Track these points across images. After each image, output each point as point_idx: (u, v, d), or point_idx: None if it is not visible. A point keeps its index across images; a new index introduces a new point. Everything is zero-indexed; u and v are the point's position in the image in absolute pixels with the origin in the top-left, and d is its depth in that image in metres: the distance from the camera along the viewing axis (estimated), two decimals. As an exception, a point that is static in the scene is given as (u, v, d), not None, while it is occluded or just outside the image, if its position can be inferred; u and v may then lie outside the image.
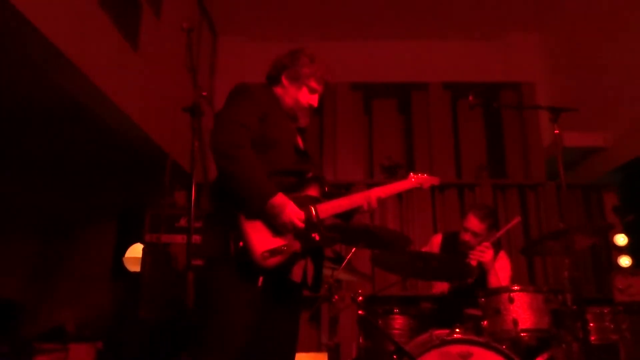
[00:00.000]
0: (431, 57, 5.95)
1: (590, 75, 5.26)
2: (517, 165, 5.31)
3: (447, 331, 2.51)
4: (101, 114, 3.83)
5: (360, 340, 2.78)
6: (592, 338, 2.75)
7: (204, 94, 1.71)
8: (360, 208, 2.20)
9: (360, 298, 2.67)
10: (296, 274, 1.94)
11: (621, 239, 4.62)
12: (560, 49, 5.83)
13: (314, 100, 2.18)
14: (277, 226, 1.88)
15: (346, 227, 2.78)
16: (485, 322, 2.59)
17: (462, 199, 5.02)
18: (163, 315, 3.57)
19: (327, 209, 2.04)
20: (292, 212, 1.88)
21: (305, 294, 2.12)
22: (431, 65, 5.88)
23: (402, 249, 2.91)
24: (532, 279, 4.73)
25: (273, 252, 1.84)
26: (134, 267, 4.71)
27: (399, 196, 5.02)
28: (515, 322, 2.49)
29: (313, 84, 2.15)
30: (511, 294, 2.55)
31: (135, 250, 4.75)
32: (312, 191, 2.04)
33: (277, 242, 1.88)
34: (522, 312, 2.52)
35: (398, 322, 2.86)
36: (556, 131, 2.54)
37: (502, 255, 3.24)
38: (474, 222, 3.16)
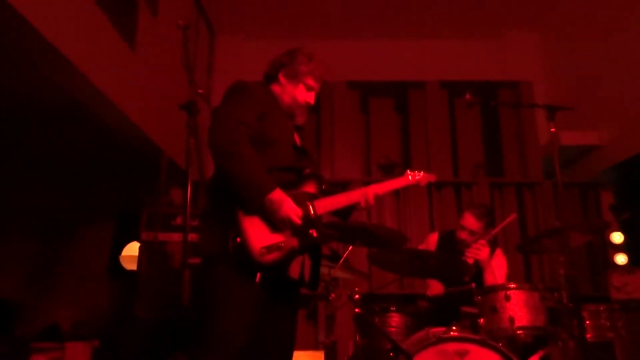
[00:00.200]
0: (428, 56, 5.95)
1: (586, 74, 5.27)
2: (514, 164, 5.32)
3: (443, 329, 2.52)
4: (98, 112, 3.82)
5: (357, 338, 2.78)
6: (588, 336, 2.76)
7: (200, 91, 1.70)
8: (358, 205, 2.22)
9: (357, 296, 2.67)
10: (294, 270, 1.94)
11: (617, 237, 4.64)
12: (557, 48, 5.85)
13: (310, 97, 2.19)
14: (275, 222, 1.88)
15: (343, 225, 2.79)
16: (481, 320, 2.60)
17: (459, 197, 5.03)
18: (160, 313, 3.57)
19: (325, 205, 2.05)
20: (289, 208, 1.88)
21: (303, 292, 2.12)
22: (428, 63, 5.88)
23: (399, 247, 2.91)
24: (528, 277, 4.75)
25: (271, 249, 1.84)
26: (131, 266, 4.71)
27: (396, 194, 5.03)
28: (511, 320, 2.50)
29: (310, 81, 2.16)
30: (507, 292, 2.56)
31: (132, 249, 4.75)
32: (310, 188, 2.05)
33: (275, 238, 1.88)
34: (518, 309, 2.53)
35: (395, 320, 2.87)
36: (552, 129, 2.55)
37: (499, 253, 3.25)
38: (470, 221, 3.17)
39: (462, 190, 5.04)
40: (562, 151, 5.02)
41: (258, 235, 1.85)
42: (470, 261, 3.04)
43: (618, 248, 4.64)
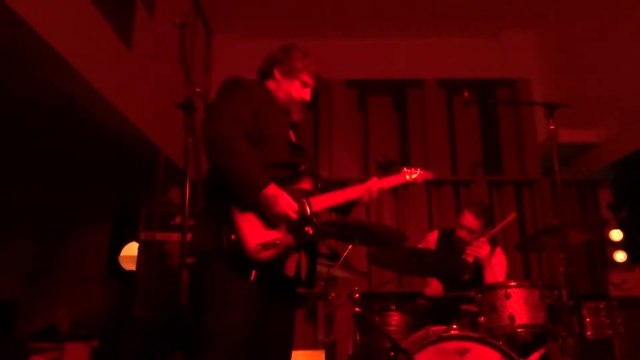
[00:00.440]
0: (426, 54, 5.95)
1: (584, 71, 5.27)
2: (513, 162, 5.32)
3: (443, 327, 2.51)
4: (95, 112, 3.81)
5: (357, 337, 2.77)
6: (588, 333, 2.76)
7: (198, 90, 1.69)
8: (361, 199, 2.21)
9: (357, 295, 2.66)
10: (289, 268, 1.91)
11: (617, 235, 4.64)
12: (554, 46, 5.85)
13: (306, 94, 2.18)
14: (270, 217, 1.86)
15: (342, 224, 2.78)
16: (481, 318, 2.59)
17: (457, 195, 5.03)
18: (158, 313, 3.56)
19: (321, 202, 2.03)
20: (285, 202, 1.86)
21: (302, 291, 2.11)
22: (426, 62, 5.88)
23: (398, 245, 2.91)
24: (527, 275, 4.75)
25: (266, 245, 1.81)
26: (130, 266, 4.69)
27: (395, 193, 5.03)
28: (511, 318, 2.50)
29: (306, 77, 2.15)
30: (507, 290, 2.56)
31: (131, 249, 4.73)
32: (305, 184, 2.03)
33: (271, 235, 1.85)
34: (518, 307, 2.53)
35: (394, 318, 2.87)
36: (551, 127, 2.55)
37: (498, 251, 3.25)
38: (469, 219, 3.17)
39: (460, 189, 5.03)
40: (560, 149, 4.97)
41: (253, 232, 1.83)
42: (471, 259, 3.04)
43: (617, 245, 4.65)
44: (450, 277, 3.11)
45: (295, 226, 1.90)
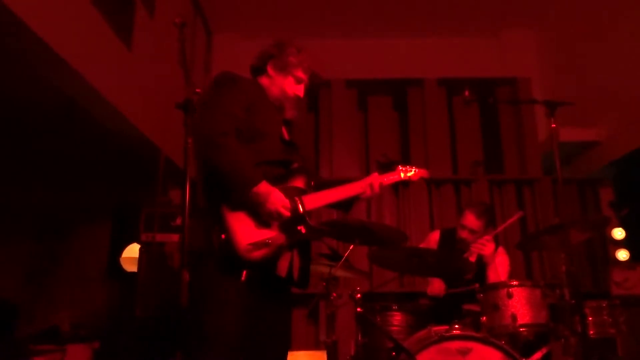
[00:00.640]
0: (426, 54, 5.95)
1: (584, 70, 5.26)
2: (513, 161, 5.32)
3: (445, 327, 2.50)
4: (95, 112, 3.80)
5: (359, 338, 2.77)
6: (590, 332, 2.75)
7: (198, 90, 1.68)
8: (361, 195, 2.18)
9: (358, 295, 2.65)
10: (281, 268, 1.87)
11: (619, 233, 4.64)
12: (555, 45, 5.84)
13: (300, 90, 2.15)
14: (261, 215, 1.83)
15: (342, 224, 2.77)
16: (484, 318, 2.59)
17: (458, 194, 5.02)
18: (159, 314, 3.56)
19: (314, 200, 1.99)
20: (277, 200, 1.83)
21: (304, 292, 2.09)
22: (426, 61, 5.87)
23: (399, 245, 2.90)
24: (529, 274, 4.74)
25: (257, 245, 1.78)
26: (131, 268, 4.68)
27: (396, 192, 5.03)
28: (514, 318, 2.49)
29: (299, 73, 2.12)
30: (510, 290, 2.55)
31: (132, 251, 4.72)
32: (298, 182, 1.99)
33: (262, 234, 1.82)
34: (520, 307, 2.52)
35: (396, 318, 2.86)
36: (553, 125, 2.54)
37: (501, 251, 3.24)
38: (470, 219, 3.16)
39: (461, 188, 5.03)
40: (561, 147, 4.98)
41: (244, 231, 1.79)
42: (473, 258, 3.04)
43: (619, 244, 4.64)
44: (452, 276, 3.10)
45: (287, 225, 1.87)
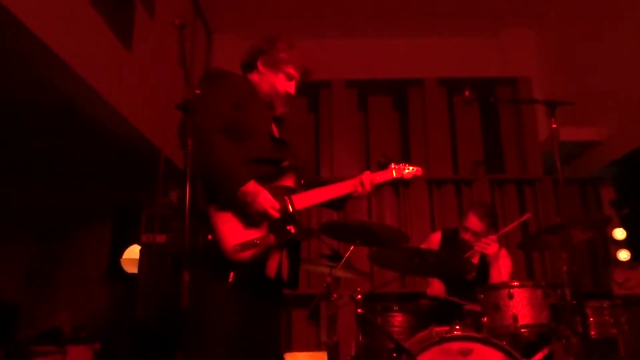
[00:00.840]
0: (426, 54, 5.95)
1: (584, 70, 5.26)
2: (514, 160, 5.31)
3: (446, 328, 2.49)
4: (95, 113, 3.80)
5: (360, 338, 2.76)
6: (592, 332, 2.74)
7: (197, 91, 1.66)
8: (354, 193, 2.13)
9: (359, 296, 2.65)
10: (270, 269, 1.84)
11: (620, 233, 4.63)
12: (554, 44, 5.83)
13: (291, 87, 2.10)
14: (249, 216, 1.78)
15: (343, 224, 2.76)
16: (485, 319, 2.58)
17: (459, 194, 5.02)
18: (160, 315, 3.55)
19: (304, 199, 1.95)
20: (265, 200, 1.78)
21: (304, 293, 2.08)
22: (426, 61, 5.87)
23: (400, 245, 2.89)
24: (530, 274, 4.74)
25: (245, 246, 1.73)
26: (132, 269, 4.68)
27: (396, 193, 5.02)
28: (515, 318, 2.48)
29: (290, 70, 2.08)
30: (511, 290, 2.54)
31: (133, 252, 4.72)
32: (288, 181, 1.95)
33: (250, 235, 1.78)
34: (521, 307, 2.51)
35: (397, 319, 2.85)
36: (554, 125, 2.53)
37: (504, 253, 3.23)
38: (473, 221, 3.15)
39: (462, 188, 5.02)
40: (561, 147, 4.98)
41: (231, 231, 1.75)
42: (475, 260, 3.03)
43: (620, 244, 4.63)
44: (454, 277, 3.09)
45: (276, 225, 1.83)
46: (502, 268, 3.10)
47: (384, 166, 2.37)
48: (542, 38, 6.00)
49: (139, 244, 3.85)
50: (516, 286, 2.57)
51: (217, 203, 1.76)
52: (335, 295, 2.80)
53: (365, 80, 5.51)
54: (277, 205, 1.82)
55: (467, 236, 3.18)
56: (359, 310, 2.64)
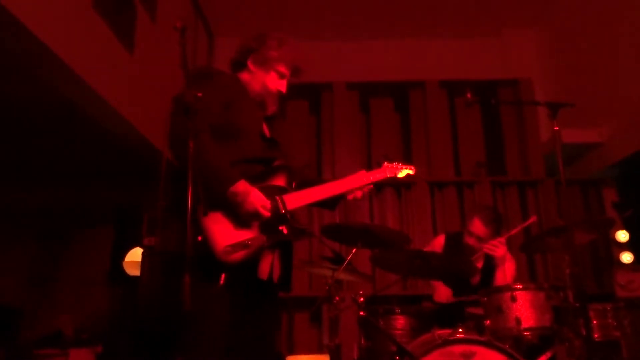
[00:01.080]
0: (428, 55, 5.94)
1: (586, 71, 5.25)
2: (516, 162, 5.30)
3: (449, 331, 2.49)
4: (97, 116, 3.81)
5: (362, 341, 2.76)
6: (595, 335, 2.73)
7: (199, 94, 1.65)
8: (348, 194, 2.10)
9: (361, 298, 2.64)
10: (262, 271, 1.81)
11: (622, 235, 4.61)
12: (556, 45, 5.83)
13: (282, 86, 2.07)
14: (240, 216, 1.75)
15: (345, 226, 2.76)
16: (487, 321, 2.57)
17: (461, 196, 5.01)
18: (162, 318, 3.55)
19: (297, 199, 1.91)
20: (256, 199, 1.75)
21: (306, 295, 2.07)
22: (428, 63, 5.87)
23: (401, 247, 2.89)
24: (532, 276, 4.72)
25: (236, 247, 1.70)
26: (134, 272, 4.69)
27: (398, 195, 5.01)
28: (517, 321, 2.48)
29: (282, 68, 2.05)
30: (513, 293, 2.54)
31: (135, 255, 4.73)
32: (279, 180, 1.92)
33: (242, 235, 1.74)
34: (524, 310, 2.50)
35: (399, 322, 2.84)
36: (556, 127, 2.53)
37: (509, 256, 3.21)
38: (478, 226, 3.14)
39: (464, 190, 5.01)
40: (563, 149, 4.96)
41: (222, 232, 1.71)
42: (479, 264, 3.03)
43: (623, 246, 4.61)
44: (457, 280, 3.08)
45: (268, 225, 1.80)
46: (506, 271, 3.09)
47: (378, 166, 2.35)
48: (544, 39, 6.00)
49: (141, 246, 3.85)
50: (519, 289, 2.56)
51: (206, 202, 1.69)
52: (337, 298, 2.80)
53: (366, 83, 5.51)
54: (268, 204, 1.79)
55: (471, 241, 3.16)
56: (361, 313, 2.64)
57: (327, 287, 2.83)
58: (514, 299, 2.52)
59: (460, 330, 2.47)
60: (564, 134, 4.96)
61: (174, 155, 1.78)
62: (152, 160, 4.48)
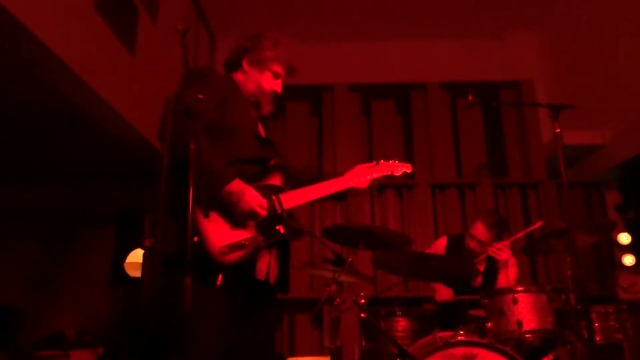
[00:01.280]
0: (429, 57, 5.93)
1: (588, 72, 5.24)
2: (518, 164, 5.29)
3: (450, 333, 2.48)
4: (98, 118, 3.81)
5: (363, 343, 2.75)
6: (597, 337, 2.72)
7: (200, 96, 1.64)
8: (353, 190, 2.10)
9: (362, 300, 2.64)
10: (260, 271, 1.79)
11: (625, 238, 4.60)
12: (558, 47, 5.82)
13: (277, 85, 2.06)
14: (236, 216, 1.73)
15: (346, 228, 2.75)
16: (489, 324, 2.57)
17: (462, 198, 5.00)
18: (163, 319, 3.55)
19: (293, 198, 1.90)
20: (252, 198, 1.73)
21: (307, 297, 2.07)
22: (429, 65, 5.86)
23: (403, 249, 2.88)
24: (534, 278, 4.71)
25: (233, 247, 1.68)
26: (135, 273, 4.70)
27: (400, 196, 5.01)
28: (519, 323, 2.47)
29: (277, 68, 2.04)
30: (515, 295, 2.53)
31: (136, 256, 4.73)
32: (275, 180, 1.90)
33: (238, 235, 1.72)
34: (526, 312, 2.50)
35: (401, 324, 2.84)
36: (557, 129, 2.52)
37: (512, 260, 3.21)
38: (480, 230, 3.13)
39: (465, 192, 5.01)
40: (565, 151, 4.95)
41: (218, 233, 1.69)
42: (482, 267, 3.02)
43: (625, 249, 4.60)
44: (458, 282, 3.08)
45: (265, 225, 1.78)
46: (509, 274, 3.09)
47: (376, 164, 2.35)
48: (546, 41, 5.99)
49: (142, 248, 3.85)
50: (520, 291, 2.56)
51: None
52: (338, 300, 2.80)
53: (368, 84, 5.51)
54: (264, 203, 1.77)
55: (472, 244, 3.16)
56: (362, 315, 2.63)
57: (328, 289, 2.84)
58: (515, 302, 2.51)
59: (461, 332, 2.46)
60: (566, 136, 4.96)
61: (171, 155, 1.71)
62: (153, 162, 4.49)
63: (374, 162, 2.31)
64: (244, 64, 2.05)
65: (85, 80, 3.26)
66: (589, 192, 5.01)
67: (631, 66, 4.56)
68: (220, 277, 1.68)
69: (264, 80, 2.04)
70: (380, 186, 5.00)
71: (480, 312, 2.71)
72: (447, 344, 2.39)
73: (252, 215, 1.75)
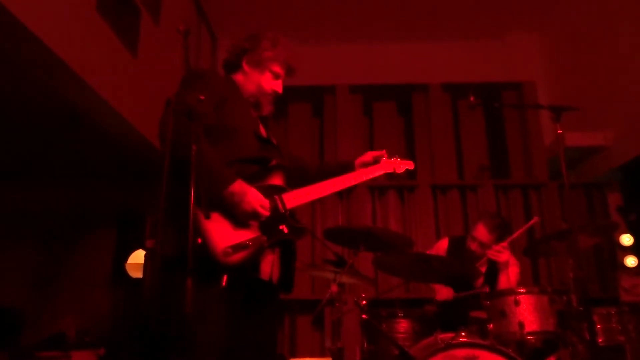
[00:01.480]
0: (431, 59, 5.93)
1: (590, 74, 5.23)
2: (519, 165, 5.29)
3: (452, 334, 2.47)
4: (100, 119, 3.82)
5: (364, 345, 2.75)
6: (599, 339, 2.71)
7: (202, 97, 1.64)
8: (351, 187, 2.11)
9: (364, 302, 2.64)
10: (264, 271, 1.79)
11: (627, 239, 4.59)
12: (560, 48, 5.82)
13: (278, 86, 2.06)
14: (238, 217, 1.73)
15: (348, 229, 2.75)
16: (490, 325, 2.56)
17: (464, 200, 4.99)
18: (165, 320, 3.55)
19: (295, 198, 1.90)
20: (254, 198, 1.73)
21: (309, 298, 2.07)
22: (431, 66, 5.86)
23: (404, 250, 2.88)
24: (536, 280, 4.70)
25: (236, 248, 1.68)
26: (137, 274, 4.70)
27: (401, 198, 5.00)
28: (521, 325, 2.46)
29: (276, 68, 2.04)
30: (517, 297, 2.53)
31: (138, 257, 4.74)
32: (276, 180, 1.90)
33: (241, 236, 1.72)
34: (528, 314, 2.49)
35: (402, 325, 2.84)
36: (559, 131, 2.51)
37: (513, 260, 3.20)
38: (482, 232, 3.13)
39: (467, 193, 5.00)
40: (567, 152, 4.94)
41: (221, 233, 1.69)
42: (483, 268, 3.01)
43: (627, 250, 4.59)
44: (460, 283, 3.07)
45: (268, 225, 1.78)
46: (510, 275, 3.08)
47: (377, 161, 2.35)
48: (547, 42, 5.99)
49: (143, 249, 3.85)
50: (522, 293, 2.55)
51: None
52: (339, 301, 2.80)
53: (369, 86, 5.51)
54: (266, 203, 1.77)
55: (474, 246, 3.16)
56: (364, 316, 2.63)
57: (329, 290, 2.83)
58: (517, 303, 2.51)
59: (463, 334, 2.46)
60: (568, 137, 4.95)
61: (172, 156, 1.71)
62: (155, 163, 4.48)
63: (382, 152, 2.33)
64: (244, 65, 2.05)
65: (86, 80, 3.26)
66: (590, 194, 5.00)
67: (633, 67, 4.55)
68: (225, 277, 1.68)
69: (264, 81, 2.04)
70: (382, 187, 5.00)
71: (481, 314, 2.70)
72: (449, 346, 2.39)
73: (255, 215, 1.75)
